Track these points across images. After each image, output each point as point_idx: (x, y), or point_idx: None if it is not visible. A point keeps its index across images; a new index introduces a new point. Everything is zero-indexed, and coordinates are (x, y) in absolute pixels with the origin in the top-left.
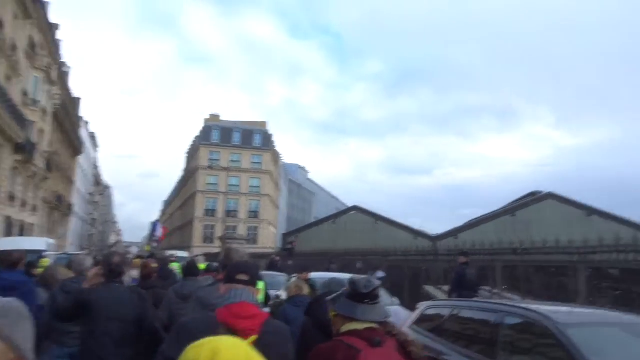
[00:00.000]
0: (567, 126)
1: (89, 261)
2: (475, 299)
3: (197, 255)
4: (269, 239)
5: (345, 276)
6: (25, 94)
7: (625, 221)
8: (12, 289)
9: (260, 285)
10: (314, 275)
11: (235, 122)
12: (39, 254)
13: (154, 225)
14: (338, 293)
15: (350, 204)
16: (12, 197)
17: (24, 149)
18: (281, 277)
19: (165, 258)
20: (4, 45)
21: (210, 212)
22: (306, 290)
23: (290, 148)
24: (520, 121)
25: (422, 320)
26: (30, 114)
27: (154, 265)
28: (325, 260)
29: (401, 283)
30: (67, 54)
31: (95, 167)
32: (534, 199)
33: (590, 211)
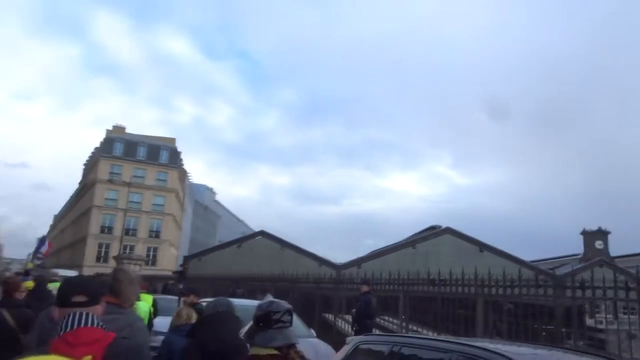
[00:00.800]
0: (462, 168)
1: None
2: (411, 333)
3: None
4: (170, 261)
5: (247, 302)
6: None
7: (511, 257)
8: None
9: (143, 305)
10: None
11: (141, 136)
12: None
13: (41, 240)
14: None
15: (256, 228)
16: None
17: None
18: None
19: (43, 276)
20: None
21: (107, 230)
22: (195, 318)
23: (199, 168)
24: (423, 160)
25: (353, 358)
26: None
27: (29, 283)
28: (228, 285)
29: (311, 311)
30: None
31: None
32: (433, 232)
33: (482, 246)
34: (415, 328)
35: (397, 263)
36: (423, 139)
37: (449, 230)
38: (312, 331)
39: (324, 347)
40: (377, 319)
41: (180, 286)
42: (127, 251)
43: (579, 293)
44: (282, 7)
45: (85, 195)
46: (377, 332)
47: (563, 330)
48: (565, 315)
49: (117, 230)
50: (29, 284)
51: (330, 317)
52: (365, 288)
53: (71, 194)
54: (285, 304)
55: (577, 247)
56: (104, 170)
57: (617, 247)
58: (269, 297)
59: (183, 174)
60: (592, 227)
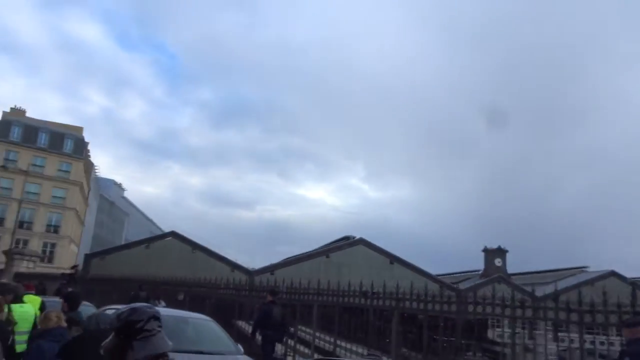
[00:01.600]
0: (374, 181)
1: None
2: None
3: None
4: (69, 259)
5: (173, 312)
6: None
7: (418, 270)
8: None
9: (28, 308)
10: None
11: (43, 122)
12: None
13: None
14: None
15: (166, 229)
16: None
17: None
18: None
19: None
20: None
21: None
22: (63, 321)
23: (106, 162)
24: (337, 171)
25: None
26: None
27: None
28: (133, 287)
29: (229, 320)
30: None
31: None
32: (346, 243)
33: (393, 259)
34: (328, 338)
35: (311, 271)
36: (339, 151)
37: (362, 241)
38: (240, 346)
39: None
40: (292, 329)
41: (70, 289)
42: (20, 246)
43: (479, 308)
44: (206, 4)
45: None
46: (287, 342)
47: (462, 342)
48: (467, 328)
49: (9, 222)
50: None
51: (245, 326)
52: (269, 297)
53: None
54: (149, 310)
55: (478, 263)
56: None
57: (513, 265)
58: (163, 304)
59: (89, 166)
60: (493, 245)
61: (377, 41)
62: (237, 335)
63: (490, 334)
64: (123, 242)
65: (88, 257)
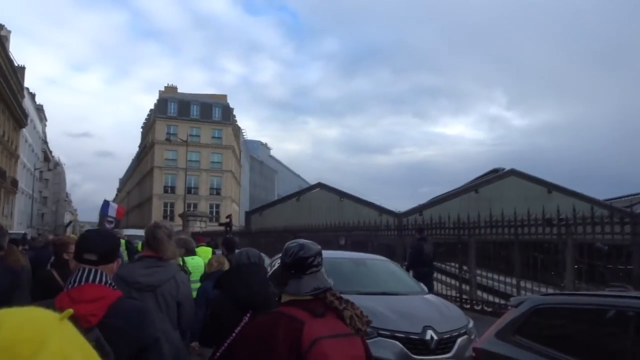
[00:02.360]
0: (518, 107)
1: None
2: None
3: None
4: (233, 217)
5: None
6: None
7: (582, 196)
8: None
9: (198, 260)
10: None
11: (193, 95)
12: None
13: (104, 204)
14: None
15: (312, 181)
16: None
17: None
18: (384, 263)
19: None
20: None
21: (170, 189)
22: (227, 265)
23: (250, 126)
24: (474, 102)
25: (528, 327)
26: None
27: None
28: (289, 237)
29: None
30: (4, 17)
31: (44, 141)
32: (496, 175)
33: (551, 187)
34: (485, 274)
35: (460, 209)
36: (474, 80)
37: (513, 172)
38: (423, 286)
39: (447, 306)
40: (443, 265)
41: (227, 236)
42: (191, 209)
43: None
44: None
45: (146, 157)
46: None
47: None
48: None
49: (180, 189)
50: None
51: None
52: (419, 234)
53: (133, 158)
54: (315, 246)
55: None
56: (160, 131)
57: None
58: (342, 242)
59: (237, 131)
60: None
61: None
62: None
63: None
64: (275, 198)
65: (248, 214)
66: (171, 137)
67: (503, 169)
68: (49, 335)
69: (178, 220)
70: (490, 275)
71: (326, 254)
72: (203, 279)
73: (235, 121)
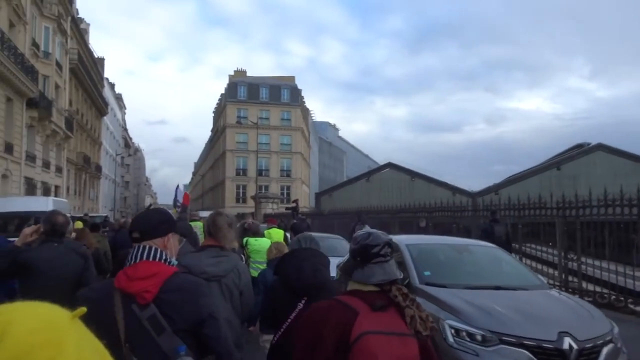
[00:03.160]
0: (601, 78)
1: (61, 218)
2: None
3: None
4: (303, 198)
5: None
6: (34, 45)
7: None
8: None
9: (266, 242)
10: (404, 239)
11: (262, 77)
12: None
13: (176, 190)
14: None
15: (381, 162)
16: (31, 157)
17: (37, 104)
18: (338, 240)
19: (182, 217)
20: None
21: (242, 172)
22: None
23: (318, 107)
24: (552, 74)
25: None
26: (42, 68)
27: None
28: (363, 218)
29: None
30: (85, 13)
31: (124, 129)
32: (581, 151)
33: None
34: (577, 258)
35: (540, 187)
36: (551, 50)
37: (600, 147)
38: (542, 278)
39: (582, 305)
40: (522, 247)
41: (294, 221)
42: (263, 191)
43: None
44: None
45: (218, 141)
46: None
47: None
48: None
49: (251, 172)
50: None
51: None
52: (492, 216)
53: (206, 142)
54: (385, 236)
55: None
56: (231, 114)
57: None
58: (423, 224)
59: (306, 112)
60: None
61: None
62: None
63: None
64: (345, 179)
65: (318, 196)
66: (241, 120)
67: (588, 144)
68: (65, 338)
69: (250, 202)
70: (597, 263)
71: (419, 238)
72: (267, 264)
73: (304, 102)
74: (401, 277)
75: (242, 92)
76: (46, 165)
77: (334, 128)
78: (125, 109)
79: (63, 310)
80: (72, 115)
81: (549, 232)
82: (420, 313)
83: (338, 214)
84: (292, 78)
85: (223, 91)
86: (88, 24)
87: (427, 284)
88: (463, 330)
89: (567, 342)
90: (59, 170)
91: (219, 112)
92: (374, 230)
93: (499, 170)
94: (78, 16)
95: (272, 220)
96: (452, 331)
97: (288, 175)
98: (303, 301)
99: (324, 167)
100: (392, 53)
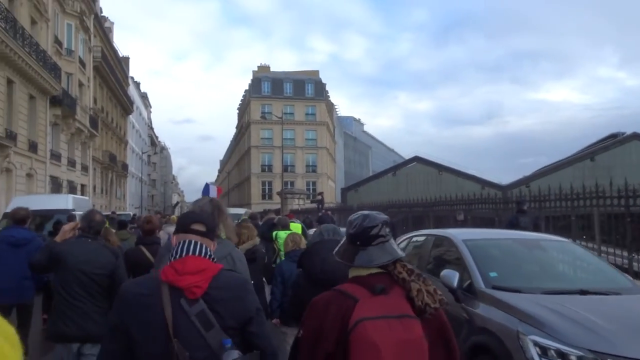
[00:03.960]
0: (632, 66)
1: (98, 217)
2: None
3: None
4: (329, 194)
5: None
6: (57, 42)
7: None
8: (20, 245)
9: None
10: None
11: (286, 73)
12: (67, 213)
13: (205, 186)
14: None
15: (407, 156)
16: (56, 156)
17: (61, 102)
18: None
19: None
20: None
21: (267, 168)
22: (304, 244)
23: (342, 102)
24: (580, 64)
25: None
26: (65, 65)
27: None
28: (394, 213)
29: None
30: (110, 13)
31: (150, 127)
32: (616, 141)
33: None
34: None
35: (573, 179)
36: (579, 39)
37: (636, 136)
38: (629, 277)
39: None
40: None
41: (320, 214)
42: (288, 186)
43: None
44: None
45: (243, 138)
46: None
47: None
48: None
49: (277, 168)
50: None
51: None
52: (518, 207)
53: (231, 139)
54: (381, 215)
55: None
56: (255, 110)
57: None
58: (461, 217)
59: (330, 107)
60: None
61: None
62: None
63: None
64: (370, 174)
65: (344, 191)
66: (266, 116)
67: (622, 134)
68: None
69: (276, 199)
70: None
71: (478, 233)
72: (285, 256)
73: (328, 97)
74: (403, 255)
75: (266, 87)
76: (71, 163)
77: (358, 123)
78: (150, 107)
79: None
80: (96, 113)
81: (585, 225)
82: (427, 287)
83: (367, 208)
84: (316, 72)
85: (247, 87)
86: (112, 23)
87: (495, 287)
88: (552, 348)
89: None
90: (84, 168)
91: (244, 108)
92: (370, 212)
93: (527, 163)
94: (102, 15)
95: (291, 215)
96: (537, 349)
97: (314, 171)
98: None
99: (350, 162)
100: (416, 47)
